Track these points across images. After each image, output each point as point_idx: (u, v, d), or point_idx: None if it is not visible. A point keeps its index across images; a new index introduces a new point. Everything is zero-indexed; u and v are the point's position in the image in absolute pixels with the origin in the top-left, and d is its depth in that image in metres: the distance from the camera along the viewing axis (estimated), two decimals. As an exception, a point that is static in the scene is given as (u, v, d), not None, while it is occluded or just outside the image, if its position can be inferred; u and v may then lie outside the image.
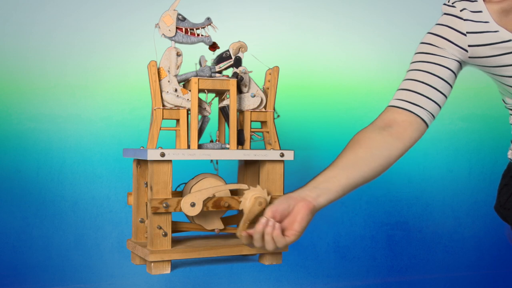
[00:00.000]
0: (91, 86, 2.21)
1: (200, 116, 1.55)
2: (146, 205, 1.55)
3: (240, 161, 1.69)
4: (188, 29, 1.52)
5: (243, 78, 1.54)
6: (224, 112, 1.55)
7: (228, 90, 1.53)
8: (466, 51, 1.20)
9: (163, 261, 1.43)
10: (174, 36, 1.51)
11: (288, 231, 1.05)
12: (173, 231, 1.51)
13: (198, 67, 1.54)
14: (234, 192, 1.60)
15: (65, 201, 2.06)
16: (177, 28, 1.51)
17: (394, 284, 1.45)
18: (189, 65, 1.54)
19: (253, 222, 1.08)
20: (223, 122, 1.62)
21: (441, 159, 2.44)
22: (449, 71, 1.20)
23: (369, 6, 2.50)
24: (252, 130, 1.58)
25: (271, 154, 1.54)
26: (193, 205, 1.43)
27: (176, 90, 1.50)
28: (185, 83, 1.54)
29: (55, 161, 2.12)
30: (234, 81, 1.52)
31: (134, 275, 1.45)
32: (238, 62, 1.55)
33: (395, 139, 1.16)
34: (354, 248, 1.84)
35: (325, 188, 1.09)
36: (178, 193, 1.58)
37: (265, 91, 1.60)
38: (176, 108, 1.50)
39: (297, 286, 1.39)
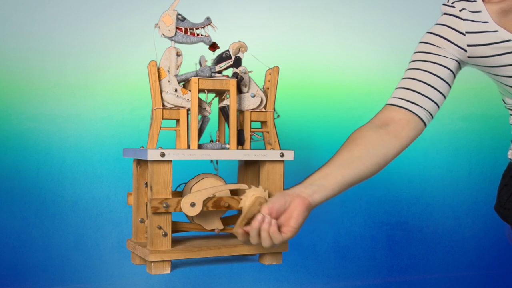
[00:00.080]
0: (91, 86, 2.21)
1: (200, 116, 1.55)
2: (146, 205, 1.55)
3: (240, 161, 1.69)
4: (188, 29, 1.52)
5: (243, 78, 1.54)
6: (224, 112, 1.55)
7: (228, 90, 1.53)
8: (465, 50, 1.20)
9: (163, 261, 1.43)
10: (173, 36, 1.51)
11: (284, 227, 1.05)
12: (173, 231, 1.51)
13: (198, 67, 1.54)
14: (234, 192, 1.60)
15: (65, 201, 2.06)
16: (176, 28, 1.51)
17: (394, 284, 1.45)
18: (189, 65, 1.54)
19: (250, 221, 1.08)
20: (223, 122, 1.62)
21: (441, 159, 2.44)
22: (448, 70, 1.20)
23: (369, 6, 2.50)
24: (252, 130, 1.58)
25: (271, 154, 1.54)
26: (193, 205, 1.43)
27: (176, 90, 1.50)
28: (185, 83, 1.54)
29: (55, 161, 2.12)
30: (234, 81, 1.52)
31: (134, 275, 1.45)
32: (238, 62, 1.55)
33: (392, 137, 1.16)
34: (354, 248, 1.84)
35: (321, 185, 1.09)
36: (178, 193, 1.58)
37: (265, 91, 1.60)
38: (176, 108, 1.50)
39: (297, 286, 1.39)
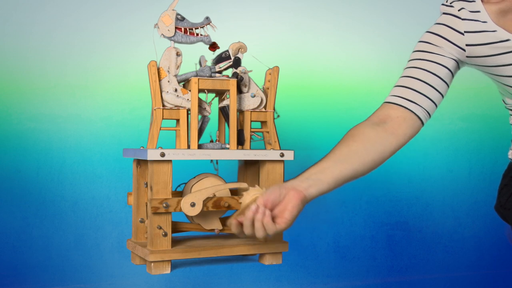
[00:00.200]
0: (91, 86, 2.21)
1: (200, 116, 1.55)
2: (146, 205, 1.55)
3: (240, 161, 1.69)
4: (187, 29, 1.52)
5: (243, 78, 1.54)
6: (224, 112, 1.55)
7: (228, 90, 1.53)
8: (464, 50, 1.20)
9: (163, 261, 1.43)
10: (173, 36, 1.51)
11: (278, 219, 1.05)
12: (173, 231, 1.51)
13: (198, 67, 1.54)
14: (234, 192, 1.60)
15: (65, 201, 2.06)
16: (176, 28, 1.51)
17: (394, 284, 1.45)
18: (189, 65, 1.54)
19: None
20: (223, 122, 1.62)
21: (441, 159, 2.44)
22: (446, 69, 1.20)
23: (369, 6, 2.50)
24: (252, 130, 1.58)
25: (271, 154, 1.54)
26: (193, 205, 1.43)
27: (176, 90, 1.50)
28: (185, 83, 1.54)
29: (55, 161, 2.12)
30: (234, 81, 1.52)
31: (134, 275, 1.45)
32: (237, 63, 1.55)
33: (389, 134, 1.17)
34: (354, 248, 1.84)
35: (317, 179, 1.09)
36: (178, 193, 1.58)
37: (265, 91, 1.60)
38: (176, 108, 1.50)
39: (297, 286, 1.39)
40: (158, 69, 1.49)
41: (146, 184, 1.54)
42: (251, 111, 1.57)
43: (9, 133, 2.12)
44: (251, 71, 1.56)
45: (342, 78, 2.45)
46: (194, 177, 1.55)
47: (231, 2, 2.35)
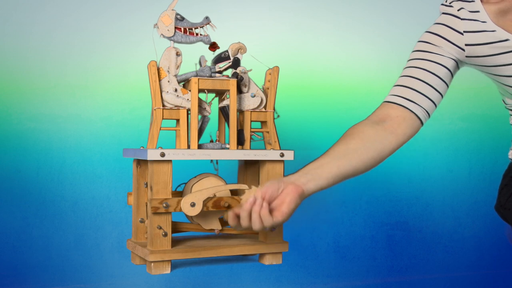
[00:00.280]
0: (91, 86, 2.21)
1: (200, 116, 1.55)
2: (146, 205, 1.55)
3: (240, 161, 1.69)
4: (187, 29, 1.52)
5: (243, 78, 1.54)
6: (224, 112, 1.55)
7: (228, 90, 1.53)
8: (463, 50, 1.20)
9: (163, 261, 1.43)
10: (173, 36, 1.51)
11: (276, 212, 1.05)
12: (173, 231, 1.51)
13: (198, 67, 1.54)
14: (234, 192, 1.60)
15: (65, 201, 2.06)
16: (175, 28, 1.51)
17: (394, 284, 1.45)
18: (189, 65, 1.54)
19: None
20: (223, 122, 1.62)
21: (441, 159, 2.44)
22: (446, 69, 1.20)
23: (369, 6, 2.50)
24: (252, 130, 1.58)
25: (271, 154, 1.54)
26: (193, 205, 1.43)
27: (176, 90, 1.50)
28: (185, 83, 1.54)
29: (55, 161, 2.12)
30: (234, 81, 1.52)
31: (134, 275, 1.45)
32: (236, 64, 1.55)
33: (388, 133, 1.17)
34: (354, 248, 1.84)
35: (316, 174, 1.09)
36: (178, 193, 1.58)
37: (265, 91, 1.60)
38: (176, 108, 1.50)
39: (297, 286, 1.39)
40: (158, 69, 1.49)
41: (146, 184, 1.53)
42: (251, 111, 1.57)
43: (9, 133, 2.12)
44: (250, 70, 1.56)
45: (342, 78, 2.45)
46: (195, 177, 1.55)
47: (231, 2, 2.35)
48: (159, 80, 1.49)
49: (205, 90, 1.52)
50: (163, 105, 1.49)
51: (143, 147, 1.53)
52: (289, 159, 1.55)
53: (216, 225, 1.54)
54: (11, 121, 2.13)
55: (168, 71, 1.50)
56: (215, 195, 1.48)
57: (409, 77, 1.21)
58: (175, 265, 1.52)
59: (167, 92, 1.49)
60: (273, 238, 1.57)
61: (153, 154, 1.41)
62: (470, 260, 1.72)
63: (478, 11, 1.19)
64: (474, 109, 2.53)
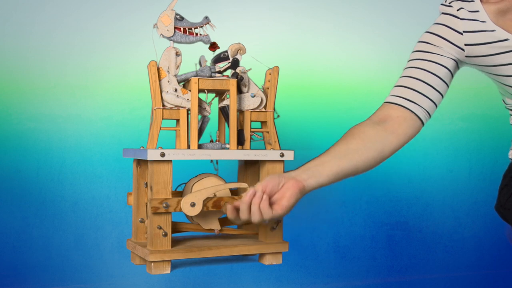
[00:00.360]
0: (91, 86, 2.21)
1: (200, 116, 1.55)
2: (146, 205, 1.55)
3: (240, 161, 1.69)
4: (187, 29, 1.52)
5: (243, 78, 1.54)
6: (224, 112, 1.55)
7: (228, 90, 1.53)
8: (463, 50, 1.20)
9: (163, 261, 1.43)
10: (172, 36, 1.51)
11: (276, 205, 1.05)
12: (173, 231, 1.51)
13: (198, 67, 1.54)
14: (234, 192, 1.60)
15: (65, 201, 2.06)
16: (175, 27, 1.51)
17: (394, 284, 1.45)
18: (189, 65, 1.54)
19: None
20: (223, 122, 1.62)
21: (441, 159, 2.44)
22: (446, 69, 1.20)
23: (369, 6, 2.50)
24: (252, 130, 1.58)
25: (271, 154, 1.54)
26: (193, 205, 1.43)
27: (176, 90, 1.50)
28: (185, 83, 1.54)
29: (55, 161, 2.12)
30: (234, 81, 1.52)
31: (134, 275, 1.45)
32: (235, 64, 1.55)
33: (389, 133, 1.17)
34: (354, 248, 1.84)
35: (317, 171, 1.09)
36: (178, 193, 1.58)
37: (265, 91, 1.60)
38: (176, 108, 1.50)
39: (297, 286, 1.39)
40: (158, 69, 1.49)
41: (146, 184, 1.53)
42: (251, 111, 1.57)
43: (9, 133, 2.12)
44: (250, 69, 1.56)
45: (342, 78, 2.45)
46: (195, 177, 1.55)
47: (231, 2, 2.35)
48: (159, 80, 1.49)
49: (205, 90, 1.52)
50: (163, 105, 1.49)
51: (143, 147, 1.53)
52: (289, 159, 1.55)
53: (216, 225, 1.54)
54: (11, 121, 2.13)
55: (168, 71, 1.50)
56: (215, 195, 1.48)
57: (409, 78, 1.21)
58: (175, 265, 1.52)
59: (167, 92, 1.49)
60: (273, 238, 1.57)
61: (153, 154, 1.41)
62: (470, 260, 1.71)
63: (477, 11, 1.19)
64: (474, 109, 2.53)
